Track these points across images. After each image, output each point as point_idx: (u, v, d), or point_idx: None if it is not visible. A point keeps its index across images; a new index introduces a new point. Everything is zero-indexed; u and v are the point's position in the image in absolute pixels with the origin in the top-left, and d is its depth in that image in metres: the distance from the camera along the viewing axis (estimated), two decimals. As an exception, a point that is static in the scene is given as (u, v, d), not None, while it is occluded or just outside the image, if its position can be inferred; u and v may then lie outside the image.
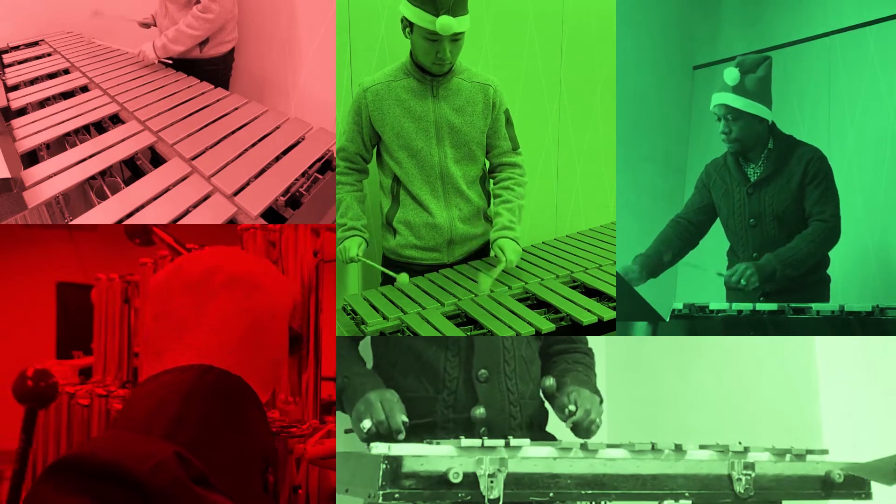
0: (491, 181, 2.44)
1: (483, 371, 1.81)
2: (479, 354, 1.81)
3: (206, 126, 2.88)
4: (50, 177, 2.36)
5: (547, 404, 1.92)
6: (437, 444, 1.39)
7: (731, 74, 2.47)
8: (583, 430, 1.73)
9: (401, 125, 2.27)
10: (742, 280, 2.38)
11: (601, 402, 1.81)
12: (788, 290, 2.44)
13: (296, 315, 1.28)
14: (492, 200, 2.40)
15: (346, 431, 1.74)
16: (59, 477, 0.90)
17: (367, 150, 2.36)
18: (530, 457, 1.38)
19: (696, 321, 2.32)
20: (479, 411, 1.72)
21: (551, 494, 1.35)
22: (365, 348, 1.97)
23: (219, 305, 1.16)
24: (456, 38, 2.18)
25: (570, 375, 1.86)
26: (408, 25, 2.20)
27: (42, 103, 3.19)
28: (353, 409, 1.69)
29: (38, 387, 1.91)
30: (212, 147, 2.66)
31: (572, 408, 1.72)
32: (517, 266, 2.27)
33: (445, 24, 2.12)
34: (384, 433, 1.62)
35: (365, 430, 1.61)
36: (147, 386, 1.09)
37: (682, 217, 2.69)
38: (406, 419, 1.64)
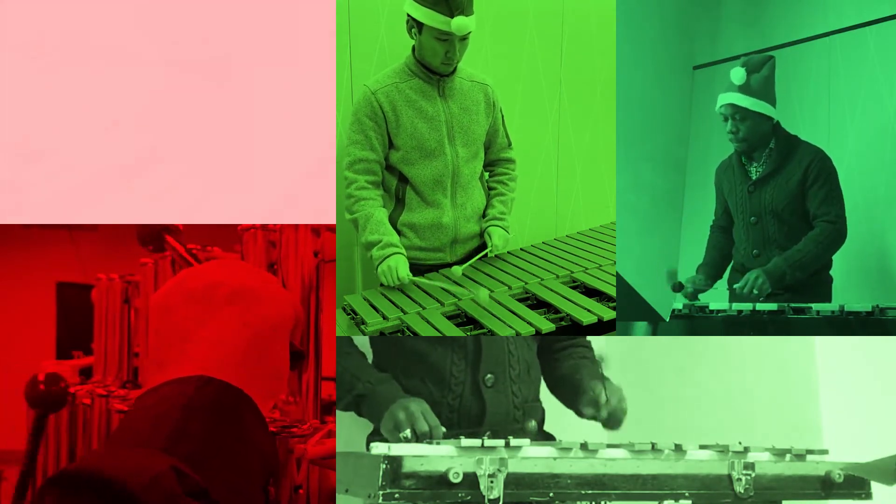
0: (486, 174, 2.49)
1: (490, 376, 1.79)
2: (486, 359, 1.79)
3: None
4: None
5: (543, 404, 1.92)
6: (438, 444, 1.38)
7: (737, 74, 2.49)
8: (616, 420, 1.72)
9: (415, 126, 2.25)
10: (754, 289, 2.38)
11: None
12: (791, 289, 2.44)
13: (297, 330, 1.28)
14: (488, 193, 2.47)
15: (370, 437, 1.73)
16: (57, 490, 0.91)
17: (384, 156, 2.28)
18: (530, 457, 1.38)
19: (696, 321, 2.33)
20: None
21: (551, 494, 1.35)
22: (362, 347, 1.96)
23: (221, 319, 1.16)
24: (465, 37, 2.17)
25: (585, 371, 1.85)
26: (415, 25, 2.17)
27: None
28: (382, 415, 1.65)
29: (49, 391, 1.91)
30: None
31: (604, 398, 1.70)
32: (517, 266, 2.30)
33: (461, 24, 2.10)
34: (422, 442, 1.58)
35: (404, 440, 1.54)
36: (147, 398, 1.09)
37: (715, 224, 2.74)
38: (444, 429, 1.59)
